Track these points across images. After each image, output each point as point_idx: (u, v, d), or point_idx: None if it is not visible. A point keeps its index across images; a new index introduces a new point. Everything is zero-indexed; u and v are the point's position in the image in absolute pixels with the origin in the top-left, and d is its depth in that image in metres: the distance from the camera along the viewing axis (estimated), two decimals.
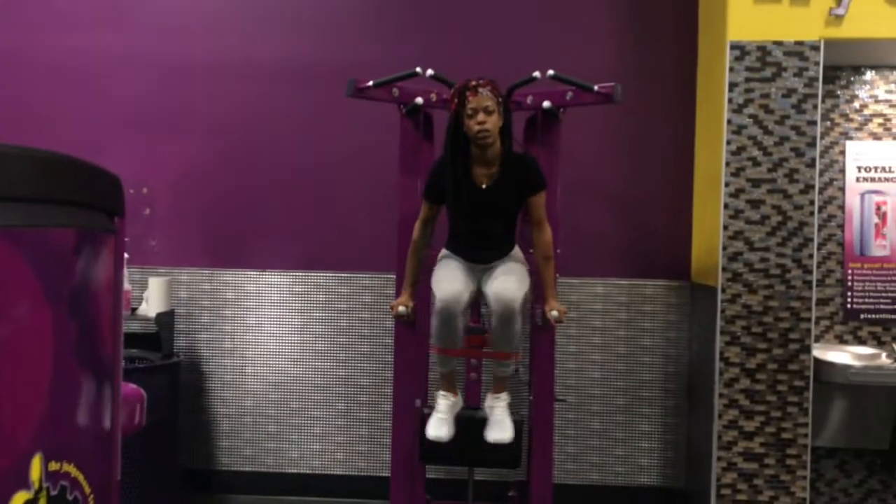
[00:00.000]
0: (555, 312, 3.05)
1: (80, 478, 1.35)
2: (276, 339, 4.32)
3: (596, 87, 3.18)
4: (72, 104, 4.37)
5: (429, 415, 3.28)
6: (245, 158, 4.34)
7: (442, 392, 3.21)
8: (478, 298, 3.24)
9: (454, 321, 2.99)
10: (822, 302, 4.01)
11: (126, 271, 3.83)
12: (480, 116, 2.92)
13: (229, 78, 4.33)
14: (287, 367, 4.31)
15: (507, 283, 2.98)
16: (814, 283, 3.58)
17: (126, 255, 3.94)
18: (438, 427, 3.13)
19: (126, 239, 4.17)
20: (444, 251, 3.24)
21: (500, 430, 3.12)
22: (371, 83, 3.21)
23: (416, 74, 3.17)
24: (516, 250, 3.21)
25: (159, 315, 3.98)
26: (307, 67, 4.30)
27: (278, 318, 4.32)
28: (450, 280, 3.03)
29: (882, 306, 4.05)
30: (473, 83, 2.92)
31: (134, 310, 4.04)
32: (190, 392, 4.28)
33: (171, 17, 4.36)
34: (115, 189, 1.52)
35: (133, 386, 1.78)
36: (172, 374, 4.02)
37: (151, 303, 3.98)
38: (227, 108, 4.34)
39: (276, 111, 4.32)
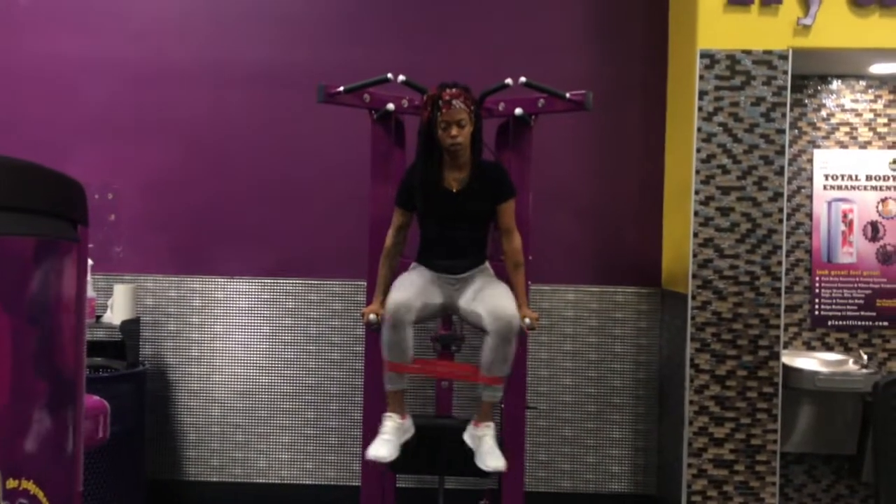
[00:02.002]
0: (527, 320, 3.03)
1: (40, 495, 1.30)
2: (244, 347, 4.26)
3: (568, 95, 3.18)
4: (35, 107, 4.28)
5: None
6: (213, 163, 4.28)
7: (388, 413, 3.07)
8: (448, 312, 3.20)
9: (403, 331, 2.90)
10: (791, 309, 4.05)
11: (90, 278, 3.76)
12: (453, 130, 2.91)
13: (198, 81, 4.28)
14: (255, 376, 4.25)
15: (502, 300, 2.93)
16: (782, 290, 3.61)
17: (90, 262, 3.87)
18: (379, 447, 2.98)
19: (90, 245, 4.06)
20: (414, 263, 3.20)
21: (493, 458, 2.98)
22: (342, 89, 3.18)
23: (387, 80, 3.15)
24: (488, 266, 3.18)
25: (124, 323, 3.90)
26: (277, 71, 4.25)
27: (247, 325, 4.26)
28: (403, 288, 2.97)
29: (849, 313, 4.09)
30: (447, 96, 2.90)
31: (98, 317, 3.95)
32: (156, 401, 4.21)
33: (139, 18, 4.29)
34: (78, 197, 1.48)
35: (97, 398, 1.72)
36: (138, 382, 3.94)
37: (116, 310, 3.90)
38: (195, 112, 4.28)
39: (245, 115, 4.27)
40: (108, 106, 4.29)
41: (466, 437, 3.09)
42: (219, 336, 4.25)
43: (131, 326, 3.97)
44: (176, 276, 4.26)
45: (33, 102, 4.28)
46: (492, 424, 3.08)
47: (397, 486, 3.60)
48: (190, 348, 4.25)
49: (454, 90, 2.92)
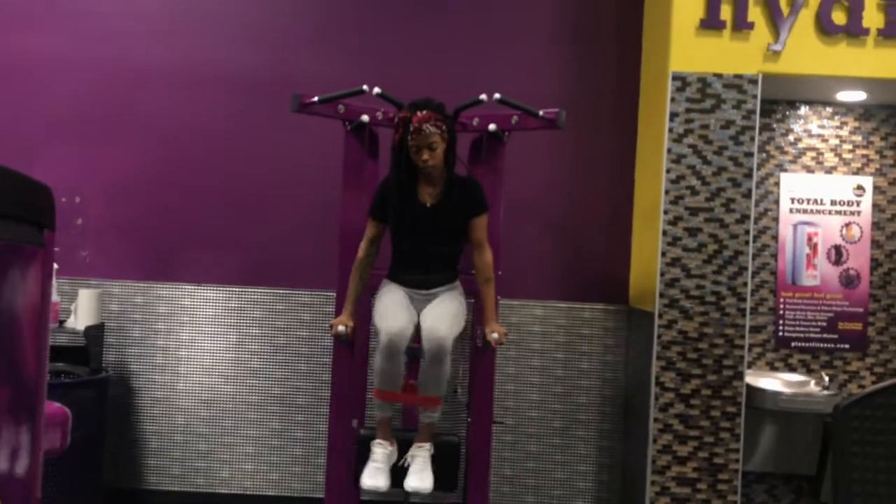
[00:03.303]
0: (495, 335, 3.05)
1: None
2: (209, 355, 4.21)
3: (541, 113, 3.21)
4: None
5: (366, 436, 3.24)
6: (182, 169, 4.24)
7: (378, 441, 3.11)
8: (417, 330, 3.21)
9: (398, 358, 2.94)
10: (755, 329, 4.10)
11: (55, 282, 3.70)
12: (424, 155, 2.94)
13: (168, 84, 4.24)
14: (220, 385, 4.21)
15: (441, 321, 2.95)
16: (748, 311, 3.65)
17: (55, 266, 3.81)
18: (375, 476, 3.04)
19: (56, 249, 4.01)
20: (384, 281, 3.20)
21: (419, 479, 3.04)
22: (316, 99, 3.18)
23: (362, 92, 3.16)
24: (458, 284, 3.19)
25: (88, 328, 3.85)
26: (250, 77, 4.23)
27: (213, 333, 4.22)
28: (395, 314, 2.97)
29: (812, 335, 4.16)
30: (416, 121, 2.90)
31: (62, 322, 3.90)
32: (118, 408, 4.14)
33: (108, 18, 4.25)
34: (45, 200, 1.46)
35: (58, 405, 1.70)
36: (100, 389, 3.88)
37: (80, 315, 3.85)
38: (165, 116, 4.24)
39: (216, 120, 4.25)
40: (74, 107, 4.24)
41: (408, 454, 3.12)
42: (184, 344, 4.21)
43: (95, 332, 3.91)
44: (142, 282, 4.22)
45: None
46: (425, 445, 3.10)
47: (361, 499, 3.58)
48: (154, 355, 4.20)
49: (424, 113, 2.91)
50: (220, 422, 4.20)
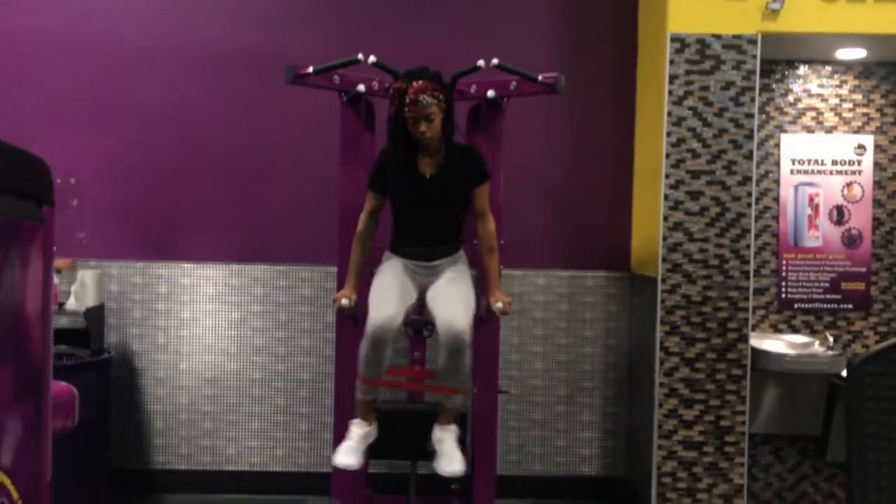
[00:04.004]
0: (500, 304, 3.02)
1: (8, 482, 1.26)
2: (212, 333, 4.20)
3: (540, 77, 3.16)
4: None
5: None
6: (179, 147, 4.20)
7: (356, 420, 3.05)
8: (420, 307, 3.15)
9: (384, 348, 2.88)
10: (758, 292, 4.09)
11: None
12: (422, 126, 2.87)
13: (164, 63, 4.19)
14: (224, 363, 4.20)
15: (455, 310, 2.88)
16: (751, 273, 3.64)
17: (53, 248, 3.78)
18: (347, 454, 2.97)
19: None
20: (386, 253, 3.16)
21: (450, 461, 2.97)
22: (311, 69, 3.12)
23: (358, 62, 3.10)
24: (462, 254, 3.14)
25: (88, 310, 3.82)
26: (245, 53, 4.18)
27: (214, 312, 4.20)
28: (385, 300, 2.90)
29: (815, 296, 4.15)
30: (412, 92, 2.83)
31: (61, 304, 3.87)
32: (121, 389, 4.13)
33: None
34: (43, 175, 1.43)
35: (64, 384, 1.68)
36: (102, 370, 3.87)
37: (80, 297, 3.82)
38: (161, 95, 4.19)
39: (212, 98, 4.19)
40: (68, 87, 4.18)
41: (433, 435, 3.07)
42: (186, 323, 4.19)
43: (95, 313, 3.89)
44: (141, 262, 4.19)
45: None
46: (452, 427, 3.06)
47: (369, 471, 3.57)
48: (156, 335, 4.19)
49: (420, 84, 2.84)
50: (224, 399, 4.20)
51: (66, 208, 4.17)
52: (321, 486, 3.93)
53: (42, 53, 4.18)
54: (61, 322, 3.92)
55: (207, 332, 4.19)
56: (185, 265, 4.20)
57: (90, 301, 3.83)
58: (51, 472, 1.50)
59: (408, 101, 2.84)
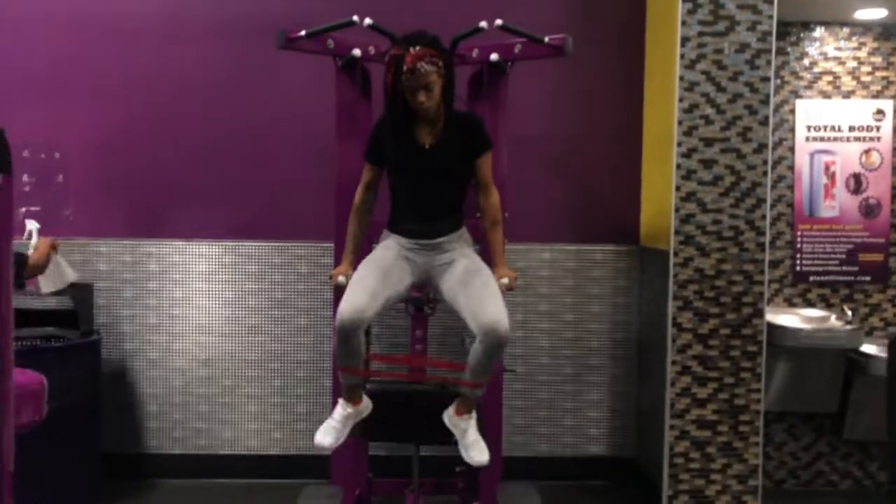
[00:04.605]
0: (505, 280, 2.86)
1: None
2: (205, 313, 4.05)
3: (546, 39, 2.99)
4: None
5: (372, 392, 3.09)
6: (169, 120, 4.02)
7: (342, 400, 2.92)
8: (423, 287, 3.00)
9: (354, 339, 2.71)
10: (772, 265, 3.93)
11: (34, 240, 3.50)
12: (420, 96, 2.68)
13: (152, 34, 4.00)
14: (218, 343, 4.05)
15: (495, 308, 2.70)
16: (767, 246, 3.48)
17: (38, 226, 3.61)
18: (324, 434, 2.87)
19: (37, 208, 3.78)
20: (384, 232, 2.99)
21: (478, 451, 2.85)
22: (303, 33, 2.95)
23: (352, 23, 2.92)
24: (465, 231, 2.97)
25: (75, 289, 3.66)
26: (236, 21, 3.98)
27: (207, 290, 4.04)
28: (360, 291, 2.72)
29: (830, 268, 4.00)
30: (410, 60, 2.63)
31: (21, 286, 3.65)
32: (113, 372, 3.99)
33: None
34: None
35: (31, 373, 1.54)
36: (92, 352, 3.73)
37: (51, 278, 3.56)
38: (149, 67, 4.00)
39: (202, 69, 4.01)
40: (50, 61, 4.00)
41: (446, 420, 2.94)
42: (178, 302, 4.04)
43: (83, 293, 3.74)
44: (130, 240, 4.03)
45: None
46: (473, 415, 2.92)
47: (370, 454, 3.45)
48: (147, 315, 4.04)
49: (418, 50, 2.64)
50: (219, 381, 4.06)
51: (51, 185, 4.01)
52: (321, 470, 3.81)
53: (23, 27, 3.99)
54: (49, 303, 3.78)
55: (200, 311, 4.04)
56: (177, 242, 4.04)
57: (60, 283, 3.62)
58: (13, 463, 1.36)
59: (405, 69, 2.65)
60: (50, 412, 3.44)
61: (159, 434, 4.07)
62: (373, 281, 2.77)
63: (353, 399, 2.92)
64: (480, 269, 2.87)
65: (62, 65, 4.00)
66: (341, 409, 2.91)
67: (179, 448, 4.06)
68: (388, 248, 2.91)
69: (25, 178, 3.99)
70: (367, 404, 2.97)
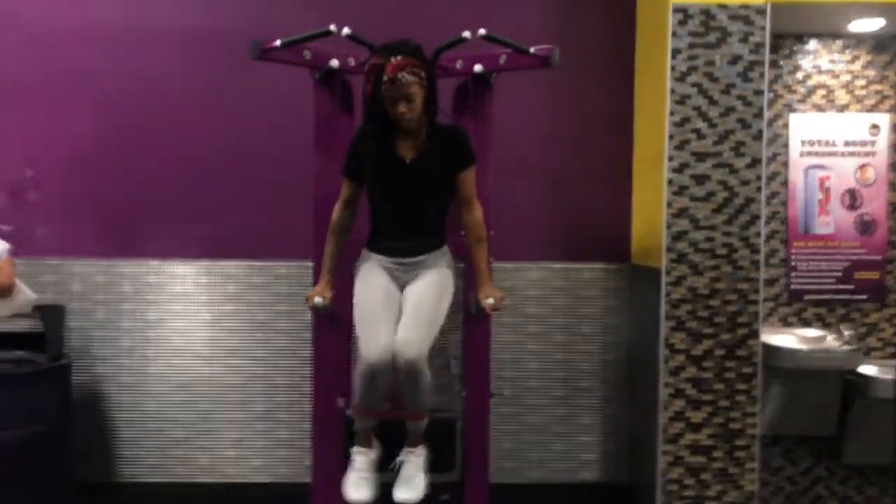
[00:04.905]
0: (490, 300, 2.73)
1: None
2: (181, 335, 3.90)
3: (532, 50, 2.87)
4: None
5: (353, 418, 2.96)
6: (143, 135, 3.89)
7: (358, 448, 2.82)
8: None
9: (383, 379, 2.60)
10: (767, 283, 3.82)
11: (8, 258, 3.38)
12: (401, 107, 2.57)
13: (124, 44, 3.88)
14: (195, 366, 3.90)
15: (413, 331, 2.59)
16: (762, 264, 3.37)
17: (7, 245, 3.48)
18: (358, 487, 2.74)
19: (7, 227, 3.63)
20: (364, 252, 2.85)
21: (408, 488, 2.75)
22: (278, 43, 2.82)
23: (330, 33, 2.80)
24: (446, 250, 2.84)
25: (45, 311, 3.52)
26: (212, 31, 3.87)
27: (184, 312, 3.90)
28: (377, 326, 2.60)
29: (826, 286, 3.88)
30: (391, 70, 2.52)
31: None
32: (84, 397, 3.84)
33: None
34: None
35: None
36: (62, 377, 3.58)
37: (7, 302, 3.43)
38: (122, 79, 3.88)
39: (177, 82, 3.89)
40: (20, 71, 3.87)
41: (398, 459, 2.84)
42: (153, 324, 3.89)
43: (53, 315, 3.59)
44: (104, 260, 3.89)
45: None
46: (418, 450, 2.83)
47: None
48: (120, 338, 3.89)
49: (399, 59, 2.53)
50: (196, 406, 3.90)
51: (21, 203, 3.87)
52: (302, 498, 3.64)
53: None
54: (17, 325, 3.64)
55: (176, 333, 3.90)
56: (152, 262, 3.90)
57: (23, 307, 3.48)
58: None
59: (385, 79, 2.54)
60: (17, 440, 3.32)
61: (134, 461, 3.91)
62: (383, 312, 2.66)
63: (368, 443, 2.83)
64: (436, 283, 2.73)
65: (32, 77, 3.87)
66: (362, 458, 2.81)
67: (155, 476, 3.91)
68: (376, 271, 2.77)
69: None
70: (378, 448, 2.88)
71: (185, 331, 3.90)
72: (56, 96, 3.87)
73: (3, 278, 3.11)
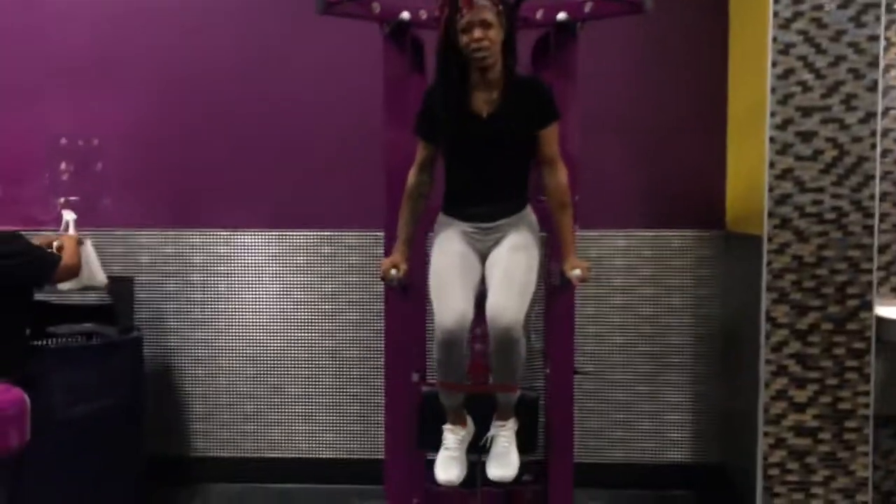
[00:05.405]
0: (577, 271, 2.51)
1: None
2: (251, 307, 3.79)
3: None
4: (2, 55, 3.79)
5: (428, 394, 2.80)
6: (206, 105, 3.77)
7: (448, 426, 2.67)
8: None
9: (459, 350, 2.43)
10: (878, 250, 3.47)
11: (74, 231, 3.31)
12: (477, 32, 2.34)
13: (180, 17, 3.75)
14: (265, 340, 3.80)
15: (506, 296, 2.38)
16: (876, 229, 3.05)
17: (74, 216, 3.41)
18: (447, 468, 2.62)
19: (74, 198, 3.53)
20: (440, 217, 2.66)
21: (501, 465, 2.62)
22: None
23: None
24: (529, 213, 2.62)
25: (114, 283, 3.44)
26: None
27: (253, 283, 3.79)
28: (453, 292, 2.43)
29: None
30: None
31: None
32: (155, 370, 3.78)
33: None
34: None
35: (14, 390, 1.29)
36: (133, 350, 3.50)
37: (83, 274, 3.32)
38: (181, 50, 3.75)
39: (238, 50, 3.74)
40: (88, 49, 3.78)
41: (489, 434, 2.69)
42: (223, 296, 3.79)
43: (122, 287, 3.51)
44: (172, 230, 3.79)
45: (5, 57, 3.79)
46: (509, 423, 2.66)
47: (427, 457, 3.14)
48: (191, 310, 3.80)
49: None
50: (267, 380, 3.81)
51: (89, 173, 3.80)
52: (374, 474, 3.51)
53: (59, 15, 3.78)
54: (88, 298, 3.59)
55: (247, 306, 3.80)
56: (221, 232, 3.79)
57: (87, 282, 3.37)
58: None
59: (461, 2, 2.33)
60: (90, 413, 3.27)
61: (206, 436, 3.84)
62: (459, 278, 2.48)
63: (460, 421, 2.68)
64: (522, 247, 2.51)
65: (98, 53, 3.78)
66: (452, 435, 2.66)
67: (226, 451, 3.83)
68: (453, 237, 2.58)
69: (63, 166, 3.79)
70: (471, 425, 2.72)
71: (255, 303, 3.79)
72: (122, 72, 3.77)
73: (67, 259, 3.01)
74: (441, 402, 2.65)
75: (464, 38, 2.37)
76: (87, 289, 3.31)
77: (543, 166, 2.53)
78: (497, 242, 2.55)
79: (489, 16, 2.34)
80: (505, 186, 2.55)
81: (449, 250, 2.54)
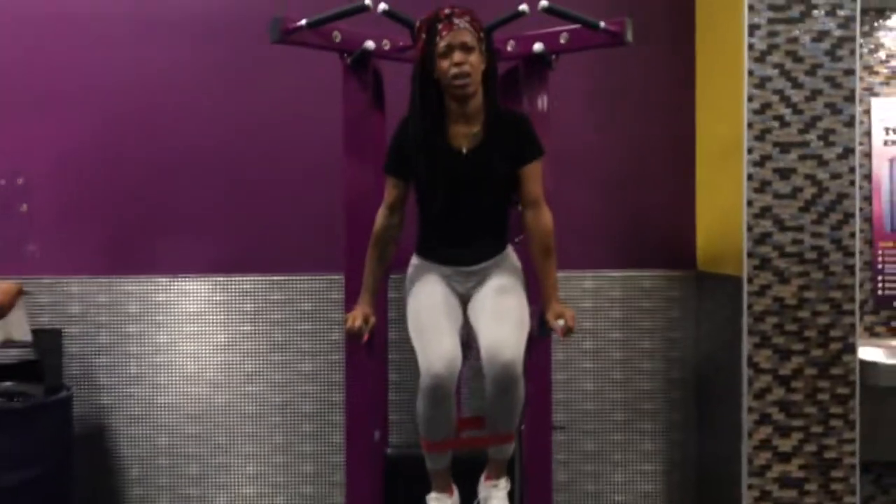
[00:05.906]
0: (560, 321, 2.31)
1: None
2: (194, 360, 3.49)
3: (602, 24, 2.46)
4: None
5: (393, 457, 2.56)
6: (146, 138, 3.48)
7: (434, 495, 2.43)
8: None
9: (449, 398, 2.21)
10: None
11: None
12: (457, 56, 2.16)
13: (123, 34, 3.47)
14: (210, 395, 3.49)
15: (503, 331, 2.20)
16: (857, 268, 2.95)
17: None
18: None
19: None
20: (414, 259, 2.45)
21: None
22: (304, 23, 2.41)
23: (365, 9, 2.39)
24: (511, 253, 2.45)
25: (40, 336, 3.12)
26: (222, 16, 3.45)
27: (196, 334, 3.49)
28: (439, 335, 2.23)
29: None
30: (447, 11, 2.15)
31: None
32: (87, 432, 3.43)
33: None
34: None
35: None
36: (62, 411, 3.18)
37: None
38: (118, 75, 3.47)
39: (185, 75, 3.47)
40: (9, 72, 3.47)
41: (480, 493, 2.46)
42: (162, 349, 3.48)
43: (49, 341, 3.19)
44: (106, 277, 3.47)
45: None
46: (501, 482, 2.44)
47: None
48: (127, 365, 3.48)
49: (456, 9, 2.18)
50: (212, 439, 3.49)
51: (12, 215, 3.47)
52: None
53: None
54: (8, 354, 3.25)
55: (189, 358, 3.49)
56: (160, 279, 3.49)
57: (13, 335, 3.05)
58: None
59: (440, 24, 2.15)
60: (12, 484, 2.92)
61: (143, 502, 3.50)
62: (446, 320, 2.27)
63: (446, 487, 2.43)
64: (509, 287, 2.34)
65: (21, 77, 3.47)
66: None
67: None
68: (432, 279, 2.39)
69: None
70: (457, 496, 2.48)
71: (198, 355, 3.49)
72: (51, 100, 3.47)
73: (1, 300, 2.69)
74: (426, 465, 2.40)
75: (443, 64, 2.18)
76: (7, 344, 2.98)
77: (526, 208, 2.34)
78: (480, 284, 2.36)
79: (470, 39, 2.17)
80: (484, 227, 2.36)
81: (430, 291, 2.35)
